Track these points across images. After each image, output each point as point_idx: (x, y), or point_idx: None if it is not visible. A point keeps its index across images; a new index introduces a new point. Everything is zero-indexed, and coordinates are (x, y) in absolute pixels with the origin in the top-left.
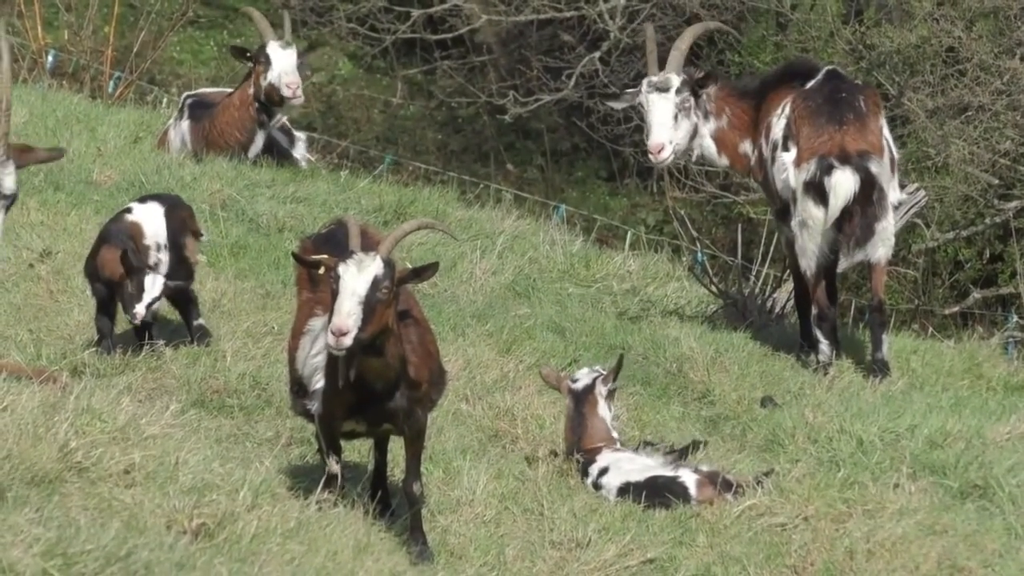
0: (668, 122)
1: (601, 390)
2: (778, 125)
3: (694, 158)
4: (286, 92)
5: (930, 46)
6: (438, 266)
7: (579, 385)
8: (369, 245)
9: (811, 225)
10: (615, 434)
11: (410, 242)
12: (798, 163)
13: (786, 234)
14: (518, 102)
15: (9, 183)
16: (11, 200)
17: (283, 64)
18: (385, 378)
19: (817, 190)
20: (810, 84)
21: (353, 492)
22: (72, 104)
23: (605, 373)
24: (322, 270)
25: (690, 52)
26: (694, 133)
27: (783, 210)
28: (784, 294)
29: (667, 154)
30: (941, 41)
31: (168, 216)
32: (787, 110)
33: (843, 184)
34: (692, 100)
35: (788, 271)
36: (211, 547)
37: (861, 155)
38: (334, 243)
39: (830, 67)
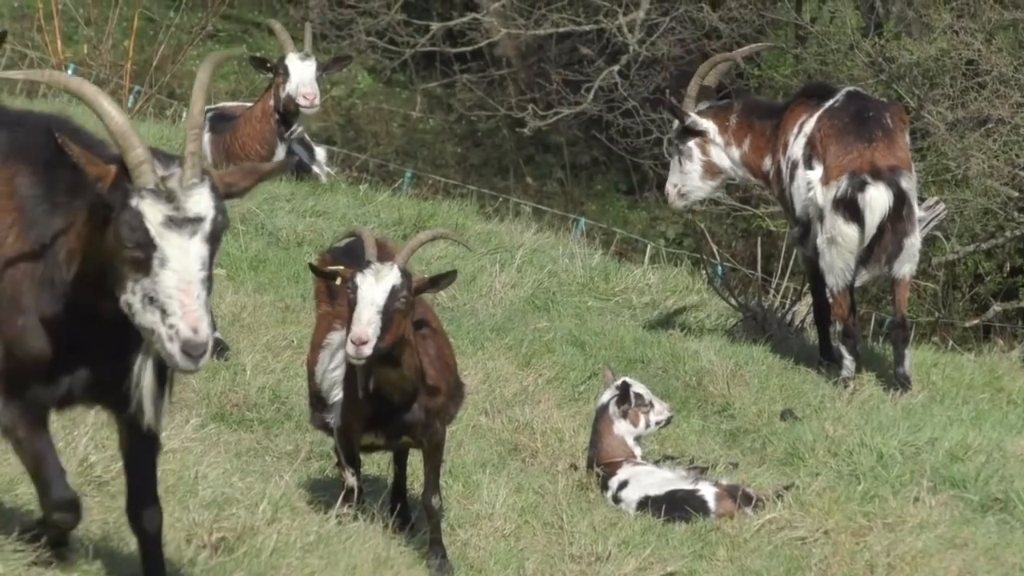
0: (674, 167)
1: (615, 411)
2: (797, 144)
3: (739, 182)
4: (302, 102)
5: (949, 59)
6: (455, 275)
7: (599, 402)
8: (386, 256)
9: (840, 242)
10: (637, 450)
11: (430, 255)
12: (826, 180)
13: (803, 252)
14: (537, 115)
15: (195, 205)
16: (212, 226)
17: (302, 75)
18: (402, 389)
19: (848, 207)
20: (831, 103)
21: (373, 506)
22: (92, 118)
23: (619, 395)
24: (339, 281)
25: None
26: (713, 170)
27: (804, 228)
28: (804, 307)
29: (671, 199)
30: (961, 54)
31: None
32: (807, 128)
33: (878, 200)
34: (688, 142)
35: (807, 285)
36: (231, 561)
37: (892, 170)
38: (352, 256)
39: (851, 88)
